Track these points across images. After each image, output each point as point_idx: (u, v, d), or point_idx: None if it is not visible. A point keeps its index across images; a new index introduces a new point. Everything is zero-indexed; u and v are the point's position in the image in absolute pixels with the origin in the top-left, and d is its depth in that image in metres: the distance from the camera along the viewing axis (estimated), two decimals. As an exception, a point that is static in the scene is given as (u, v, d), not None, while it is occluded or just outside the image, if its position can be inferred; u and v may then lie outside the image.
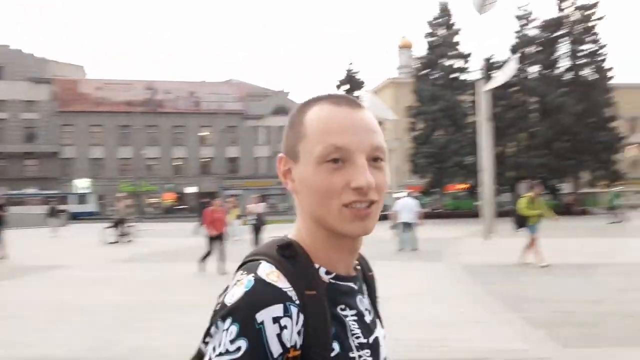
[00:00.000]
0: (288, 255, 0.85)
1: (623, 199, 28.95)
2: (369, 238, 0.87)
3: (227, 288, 0.85)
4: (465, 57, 41.90)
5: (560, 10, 43.38)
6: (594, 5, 42.61)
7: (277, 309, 0.77)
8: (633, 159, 73.96)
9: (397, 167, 44.52)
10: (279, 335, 0.76)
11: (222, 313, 0.79)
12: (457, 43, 42.05)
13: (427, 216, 22.67)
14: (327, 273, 0.87)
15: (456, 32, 42.09)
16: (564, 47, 43.44)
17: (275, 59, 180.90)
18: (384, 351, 0.94)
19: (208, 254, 11.36)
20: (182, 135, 57.99)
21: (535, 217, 11.26)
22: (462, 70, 42.06)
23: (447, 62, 41.97)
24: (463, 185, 45.13)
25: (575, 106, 39.24)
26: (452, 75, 41.64)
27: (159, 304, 8.07)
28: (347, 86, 44.62)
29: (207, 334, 0.82)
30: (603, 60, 42.84)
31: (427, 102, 40.20)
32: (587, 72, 43.03)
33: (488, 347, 5.44)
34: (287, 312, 0.78)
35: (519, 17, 42.99)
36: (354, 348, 0.85)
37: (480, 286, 9.11)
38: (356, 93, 43.40)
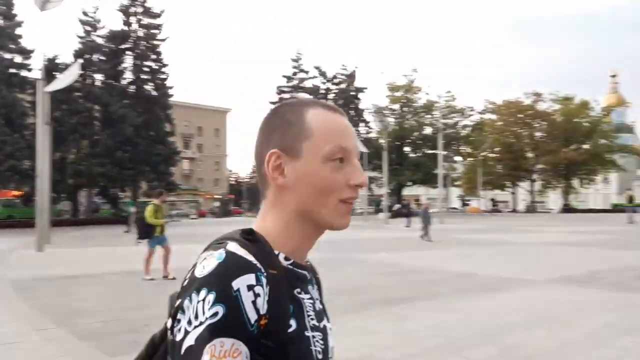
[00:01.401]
0: (251, 239, 0.89)
1: (134, 208, 27.89)
2: None
3: (193, 267, 0.86)
4: (27, 53, 38.40)
5: (127, 24, 44.73)
6: (159, 26, 45.63)
7: (250, 278, 0.81)
8: (186, 172, 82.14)
9: None
10: (253, 302, 0.80)
11: (195, 285, 0.81)
12: (19, 36, 38.19)
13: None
14: (286, 259, 0.92)
15: (18, 25, 38.19)
16: (129, 60, 44.91)
17: None
18: (331, 341, 0.98)
19: None
20: None
21: (160, 227, 10.77)
22: (22, 66, 38.40)
23: (6, 56, 37.69)
24: (17, 192, 41.17)
25: (137, 118, 40.94)
26: (10, 71, 37.49)
27: None
28: None
29: (179, 308, 0.81)
30: (165, 78, 46.19)
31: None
32: (149, 87, 45.59)
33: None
34: (259, 281, 0.81)
35: (84, 23, 42.16)
36: (308, 328, 0.90)
37: (28, 302, 8.36)
38: None
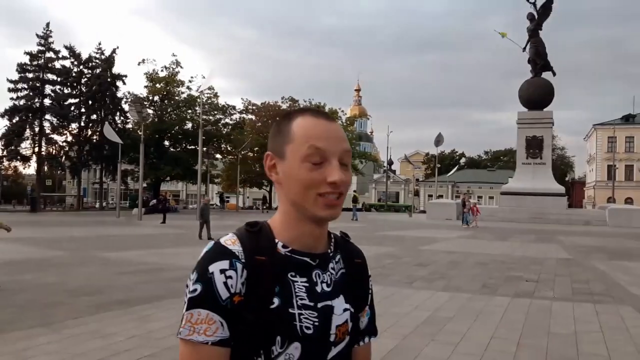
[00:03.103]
0: (252, 230, 1.10)
1: None
2: None
3: None
4: None
5: None
6: None
7: (224, 264, 1.03)
8: None
9: None
10: (225, 283, 1.02)
11: (193, 268, 1.06)
12: None
13: None
14: (284, 247, 1.10)
15: None
16: None
17: None
18: (337, 320, 1.12)
19: None
20: None
21: None
22: None
23: None
24: None
25: None
26: None
27: None
28: None
29: (186, 285, 1.07)
30: None
31: None
32: None
33: None
34: (232, 267, 1.03)
35: None
36: (295, 306, 1.06)
37: None
38: None
